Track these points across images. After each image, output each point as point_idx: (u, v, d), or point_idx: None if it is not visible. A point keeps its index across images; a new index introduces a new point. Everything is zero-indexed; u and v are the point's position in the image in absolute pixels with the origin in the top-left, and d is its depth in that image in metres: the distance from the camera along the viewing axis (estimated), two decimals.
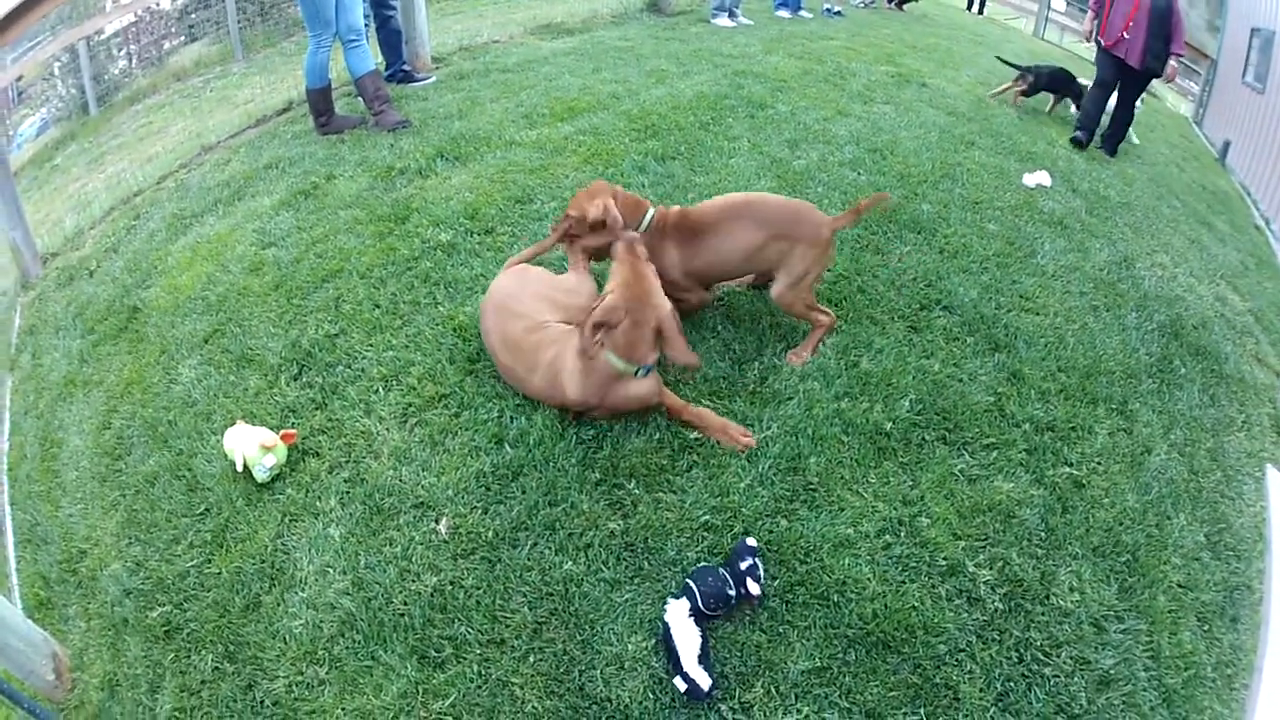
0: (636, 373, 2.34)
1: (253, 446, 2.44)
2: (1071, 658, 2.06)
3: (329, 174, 4.17)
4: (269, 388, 2.80)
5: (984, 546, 2.24)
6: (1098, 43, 5.73)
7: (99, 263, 4.03)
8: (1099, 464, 2.61)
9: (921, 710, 1.90)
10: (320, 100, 4.64)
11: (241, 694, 2.03)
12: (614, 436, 2.43)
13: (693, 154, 4.12)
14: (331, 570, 2.19)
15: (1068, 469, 2.55)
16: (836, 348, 2.77)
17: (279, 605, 2.16)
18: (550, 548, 2.16)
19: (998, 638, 2.06)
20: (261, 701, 2.00)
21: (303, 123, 5.01)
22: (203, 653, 2.13)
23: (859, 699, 1.90)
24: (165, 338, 3.23)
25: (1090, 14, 5.86)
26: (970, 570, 2.17)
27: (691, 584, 2.00)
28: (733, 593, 1.99)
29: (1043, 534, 2.33)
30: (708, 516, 2.22)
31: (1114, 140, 5.72)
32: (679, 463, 2.37)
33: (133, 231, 4.19)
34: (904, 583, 2.12)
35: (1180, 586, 2.34)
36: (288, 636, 2.09)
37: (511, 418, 2.52)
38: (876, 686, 1.92)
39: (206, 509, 2.47)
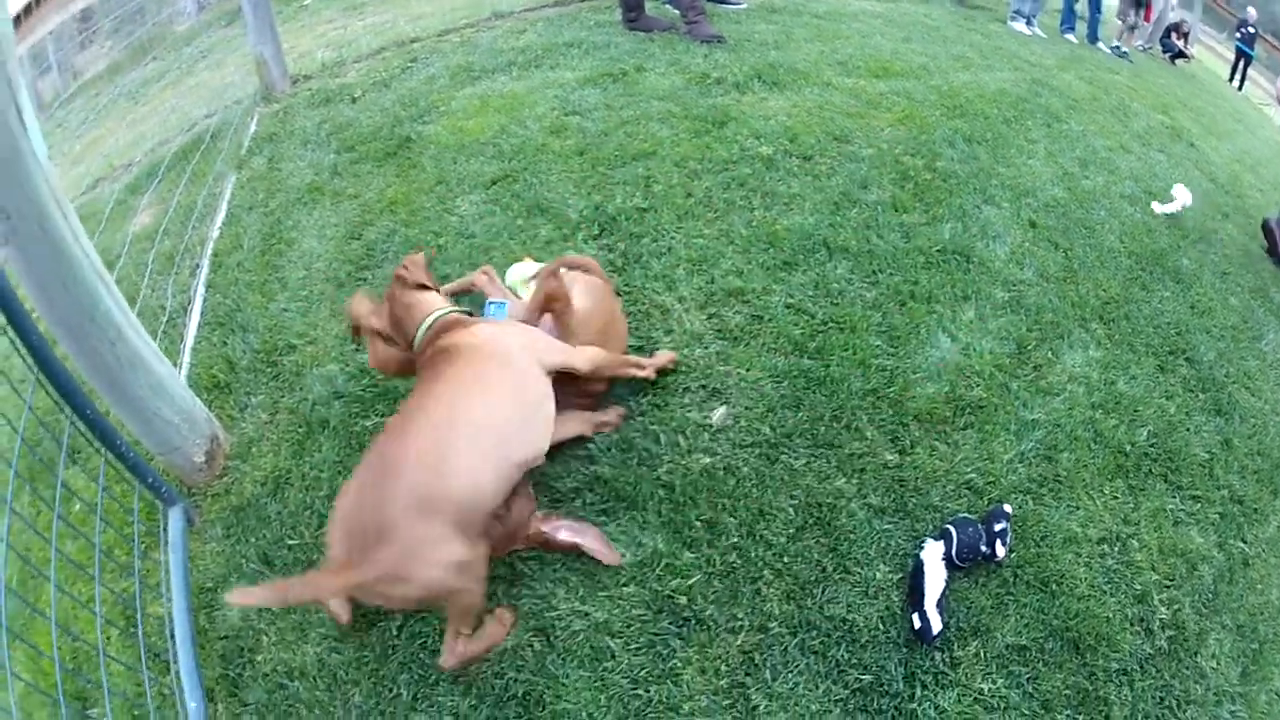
0: None
1: None
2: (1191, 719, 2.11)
3: (638, 65, 4.23)
4: (563, 239, 2.88)
5: (1169, 586, 2.32)
6: None
7: (364, 92, 4.13)
8: (1264, 551, 2.67)
9: (1081, 717, 1.97)
10: None
11: None
12: (906, 378, 2.54)
13: (996, 144, 4.14)
14: None
15: (1243, 545, 2.61)
16: (1101, 363, 2.87)
17: None
18: (828, 462, 2.26)
19: (1154, 673, 2.12)
20: None
21: (607, 13, 5.08)
22: None
23: (1040, 687, 1.97)
24: (444, 171, 3.31)
25: None
26: (1154, 603, 2.25)
27: (952, 530, 2.09)
28: (985, 549, 2.08)
29: (1210, 595, 2.40)
30: (973, 476, 2.32)
31: None
32: (959, 420, 2.47)
33: (408, 72, 4.29)
34: (1106, 594, 2.20)
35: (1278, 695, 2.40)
36: None
37: (815, 333, 2.61)
38: (1058, 681, 2.00)
39: None
